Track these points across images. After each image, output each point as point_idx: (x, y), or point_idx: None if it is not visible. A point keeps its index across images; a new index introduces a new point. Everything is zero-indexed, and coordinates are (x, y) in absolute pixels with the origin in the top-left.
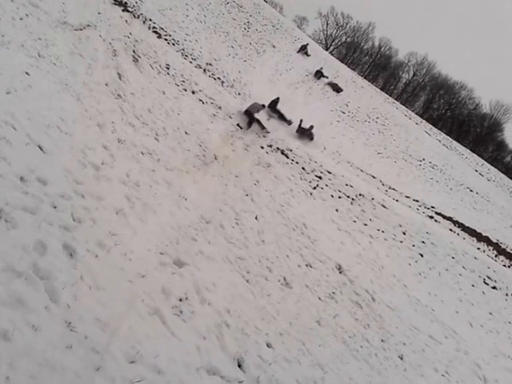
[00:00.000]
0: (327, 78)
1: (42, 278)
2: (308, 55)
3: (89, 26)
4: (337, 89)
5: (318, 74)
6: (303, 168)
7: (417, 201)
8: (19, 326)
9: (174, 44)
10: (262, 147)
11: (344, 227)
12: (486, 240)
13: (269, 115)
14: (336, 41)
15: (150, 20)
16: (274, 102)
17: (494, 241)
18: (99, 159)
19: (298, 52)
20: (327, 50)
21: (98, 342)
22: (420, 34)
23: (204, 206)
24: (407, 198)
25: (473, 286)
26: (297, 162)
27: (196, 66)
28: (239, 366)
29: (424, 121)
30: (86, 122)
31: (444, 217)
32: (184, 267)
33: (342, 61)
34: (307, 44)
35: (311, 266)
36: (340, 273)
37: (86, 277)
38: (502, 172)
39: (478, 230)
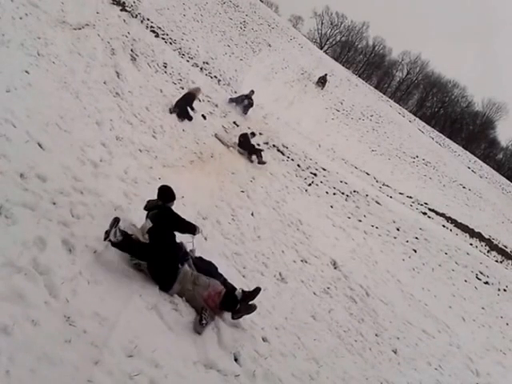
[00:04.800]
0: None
1: (42, 273)
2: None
3: (87, 25)
4: (322, 81)
5: (321, 81)
6: (298, 165)
7: (410, 197)
8: (19, 320)
9: (171, 43)
10: (258, 144)
11: (339, 223)
12: (479, 236)
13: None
14: (331, 40)
15: (148, 19)
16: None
17: (487, 237)
18: (98, 156)
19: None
20: (322, 48)
21: (96, 337)
22: (414, 33)
23: (201, 203)
24: (401, 195)
25: (465, 281)
26: (292, 159)
27: (193, 65)
28: (235, 359)
29: (417, 119)
30: (85, 119)
31: (437, 213)
32: None
33: (336, 59)
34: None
35: (306, 262)
36: (335, 268)
37: (84, 272)
38: (494, 169)
39: (471, 226)
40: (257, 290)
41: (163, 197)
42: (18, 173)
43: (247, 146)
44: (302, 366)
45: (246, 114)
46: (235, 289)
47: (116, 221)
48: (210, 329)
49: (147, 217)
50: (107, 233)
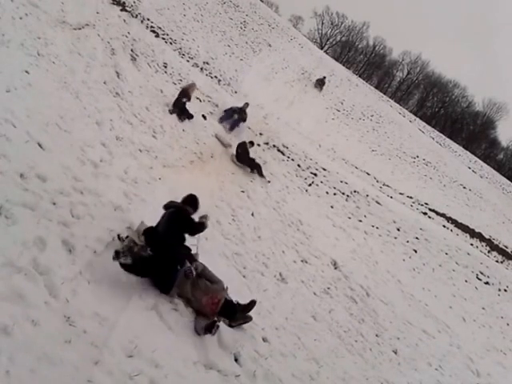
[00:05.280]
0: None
1: (42, 274)
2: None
3: (87, 25)
4: (320, 84)
5: (319, 83)
6: (299, 165)
7: (411, 197)
8: (19, 320)
9: (171, 43)
10: (259, 144)
11: (339, 223)
12: (479, 236)
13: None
14: (331, 40)
15: (148, 19)
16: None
17: (487, 237)
18: (98, 156)
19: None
20: (322, 48)
21: (96, 337)
22: (414, 33)
23: (201, 203)
24: (401, 195)
25: (466, 281)
26: (292, 159)
27: (193, 65)
28: (236, 360)
29: (418, 119)
30: (85, 119)
31: (437, 213)
32: None
33: (336, 60)
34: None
35: (307, 262)
36: (335, 268)
37: (84, 272)
38: (495, 169)
39: (471, 227)
40: (252, 304)
41: (187, 200)
42: (18, 173)
43: (245, 160)
44: (302, 367)
45: (231, 130)
46: (231, 301)
47: (130, 247)
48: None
49: (162, 216)
50: (117, 253)
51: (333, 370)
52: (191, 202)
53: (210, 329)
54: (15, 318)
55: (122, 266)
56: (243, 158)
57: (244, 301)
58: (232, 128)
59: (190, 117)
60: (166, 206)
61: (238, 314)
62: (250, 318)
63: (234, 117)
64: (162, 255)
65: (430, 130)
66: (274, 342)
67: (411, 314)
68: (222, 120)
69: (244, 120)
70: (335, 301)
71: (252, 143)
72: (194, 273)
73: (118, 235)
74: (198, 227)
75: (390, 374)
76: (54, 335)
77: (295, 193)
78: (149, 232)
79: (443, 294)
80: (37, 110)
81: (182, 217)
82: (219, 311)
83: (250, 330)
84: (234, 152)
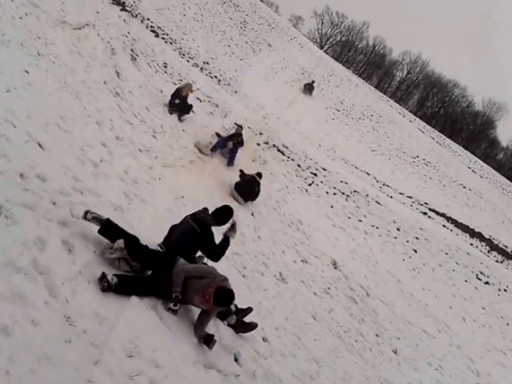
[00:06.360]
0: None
1: (42, 274)
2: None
3: (87, 25)
4: (309, 88)
5: (308, 87)
6: (299, 165)
7: (410, 197)
8: (19, 320)
9: (171, 43)
10: (259, 144)
11: (339, 223)
12: (479, 236)
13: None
14: (331, 39)
15: (148, 19)
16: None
17: (487, 237)
18: (98, 156)
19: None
20: (322, 48)
21: (96, 337)
22: (414, 33)
23: (201, 203)
24: (401, 195)
25: (466, 281)
26: (292, 159)
27: (193, 65)
28: (236, 359)
29: (418, 118)
30: (85, 119)
31: (437, 213)
32: None
33: (336, 59)
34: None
35: (307, 262)
36: (335, 268)
37: (84, 272)
38: (495, 169)
39: (471, 226)
40: (249, 310)
41: (217, 212)
42: (18, 173)
43: (252, 195)
44: (302, 367)
45: (231, 164)
46: (223, 287)
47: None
48: (210, 329)
49: (181, 221)
50: (104, 275)
51: (333, 369)
52: (221, 215)
53: (208, 343)
54: (15, 318)
55: (114, 290)
56: (250, 193)
57: (244, 301)
58: (231, 161)
59: (190, 108)
60: (196, 216)
61: (237, 316)
62: (255, 325)
63: (229, 145)
64: (154, 263)
65: (430, 130)
66: (274, 342)
67: (411, 314)
68: (215, 148)
69: (241, 144)
70: (335, 301)
71: (260, 175)
72: (178, 307)
73: (86, 213)
74: (217, 251)
75: (390, 374)
76: (54, 335)
77: (295, 193)
78: (131, 243)
79: (443, 294)
80: (37, 110)
81: (200, 238)
82: (215, 302)
83: None
84: (237, 180)
